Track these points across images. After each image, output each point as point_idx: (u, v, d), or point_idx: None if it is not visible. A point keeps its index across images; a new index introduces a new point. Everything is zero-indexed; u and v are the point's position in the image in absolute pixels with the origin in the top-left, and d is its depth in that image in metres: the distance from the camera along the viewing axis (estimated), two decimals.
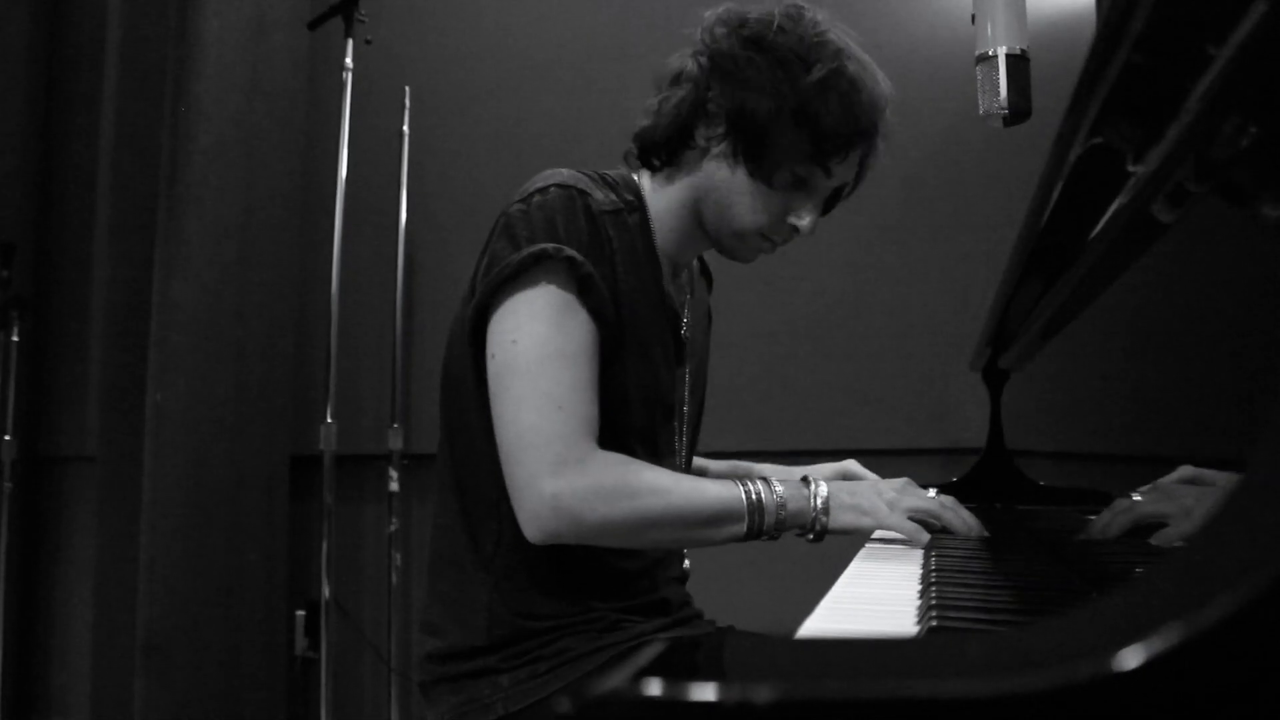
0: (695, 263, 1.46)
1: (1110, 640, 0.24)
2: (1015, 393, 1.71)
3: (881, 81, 1.23)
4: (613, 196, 1.23)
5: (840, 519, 1.19)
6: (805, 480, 1.21)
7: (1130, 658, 0.23)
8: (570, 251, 1.13)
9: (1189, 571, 0.26)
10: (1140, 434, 0.94)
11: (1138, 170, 0.82)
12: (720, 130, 1.22)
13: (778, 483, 1.18)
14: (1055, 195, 0.98)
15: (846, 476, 1.53)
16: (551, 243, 1.13)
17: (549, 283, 1.13)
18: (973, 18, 1.29)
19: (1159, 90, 0.69)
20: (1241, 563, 0.24)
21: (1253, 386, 0.65)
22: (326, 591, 2.61)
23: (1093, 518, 0.98)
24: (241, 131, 2.73)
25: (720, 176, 1.24)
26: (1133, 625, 0.24)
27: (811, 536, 1.20)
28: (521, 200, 1.18)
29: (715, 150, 1.23)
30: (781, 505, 1.16)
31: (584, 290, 1.15)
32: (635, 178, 1.31)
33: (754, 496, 1.16)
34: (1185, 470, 0.73)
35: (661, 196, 1.29)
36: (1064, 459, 1.41)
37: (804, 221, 1.25)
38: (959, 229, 2.52)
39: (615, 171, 1.30)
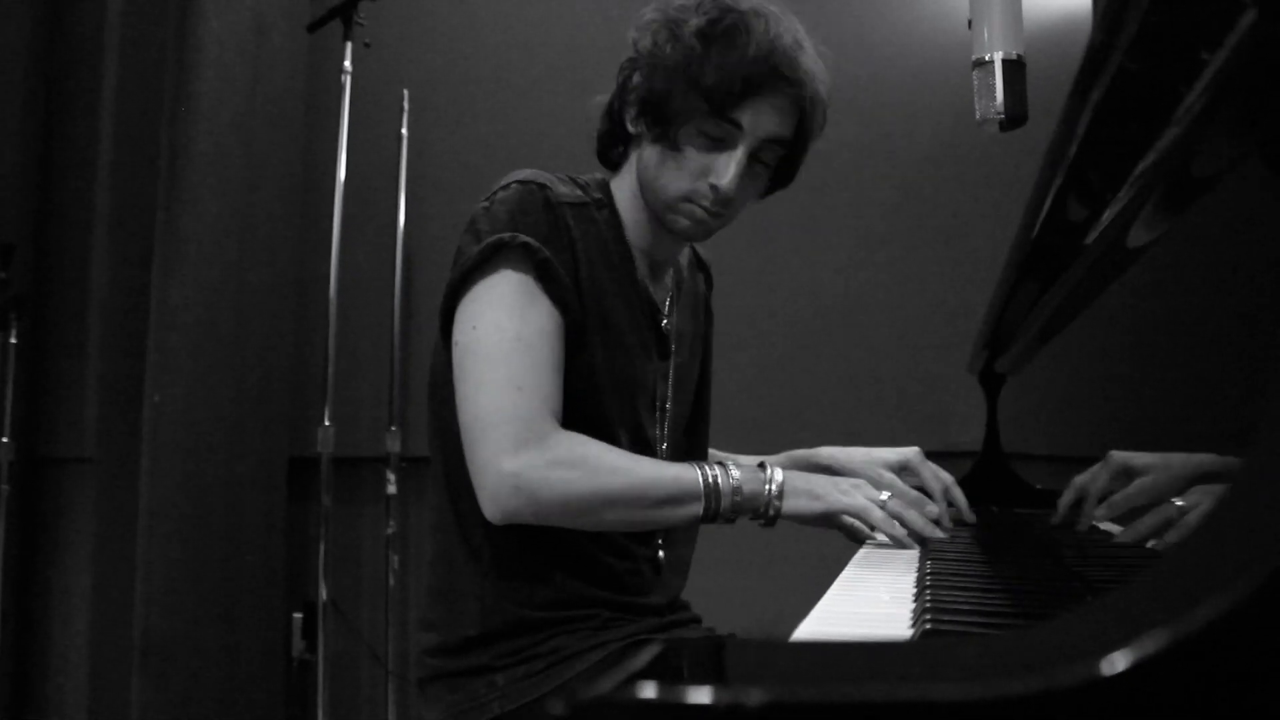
0: (689, 259, 1.47)
1: (1097, 645, 0.24)
2: (1012, 396, 1.71)
3: (786, 30, 1.21)
4: (577, 192, 1.26)
5: (793, 504, 1.22)
6: (762, 465, 1.24)
7: (1116, 662, 0.23)
8: (525, 238, 1.17)
9: (1177, 576, 0.26)
10: (1136, 437, 0.94)
11: (1132, 174, 0.82)
12: (636, 113, 1.26)
13: (734, 467, 1.21)
14: (1050, 199, 0.99)
15: (814, 463, 1.53)
16: (509, 232, 1.17)
17: (507, 269, 1.17)
18: (969, 23, 1.29)
19: (1153, 96, 0.69)
20: (1228, 568, 0.24)
21: (1251, 390, 0.65)
22: (324, 593, 2.61)
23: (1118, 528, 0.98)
24: (240, 134, 2.73)
25: (645, 156, 1.27)
26: (1119, 630, 0.24)
27: (763, 522, 1.23)
28: (486, 199, 1.22)
29: (640, 134, 1.27)
30: (737, 489, 1.19)
31: (542, 276, 1.18)
32: (607, 179, 1.34)
33: (710, 480, 1.19)
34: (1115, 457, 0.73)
35: (623, 192, 1.32)
36: (1060, 462, 1.40)
37: (723, 180, 1.22)
38: (956, 233, 2.52)
39: (589, 175, 1.33)
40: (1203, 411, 0.71)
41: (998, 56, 1.21)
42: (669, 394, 1.36)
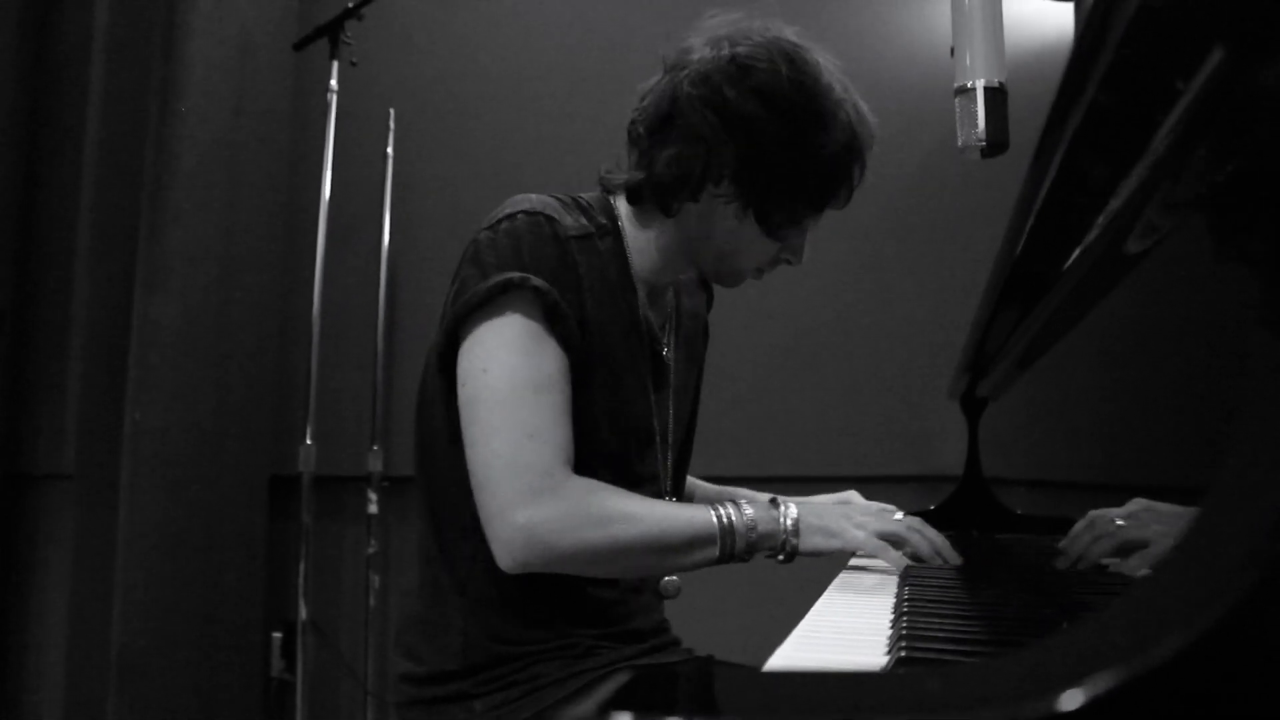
0: (690, 277, 1.46)
1: (1057, 680, 0.24)
2: (993, 421, 1.71)
3: (868, 116, 1.25)
4: (583, 221, 1.23)
5: (809, 540, 1.20)
6: (774, 502, 1.23)
7: (1072, 699, 0.23)
8: (537, 281, 1.14)
9: (1138, 610, 0.26)
10: (1117, 463, 0.95)
11: (1110, 202, 0.83)
12: (730, 190, 1.23)
13: (747, 505, 1.19)
14: (1030, 224, 0.99)
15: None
16: (518, 271, 1.14)
17: (516, 312, 1.14)
18: (951, 50, 1.30)
19: (1129, 123, 0.70)
20: (1188, 604, 0.24)
21: (1228, 417, 0.65)
22: (303, 613, 2.59)
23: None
24: (225, 151, 2.73)
25: (725, 226, 1.26)
26: (1079, 665, 0.24)
27: (782, 558, 1.21)
28: (489, 227, 1.19)
29: (723, 204, 1.24)
30: (751, 527, 1.17)
31: (551, 319, 1.15)
32: (610, 200, 1.31)
33: (725, 520, 1.17)
34: (1137, 503, 0.73)
35: (644, 227, 1.29)
36: (1041, 487, 1.41)
37: (799, 260, 1.32)
38: (937, 258, 2.54)
39: (591, 194, 1.30)
40: (1181, 436, 0.72)
41: (979, 84, 1.22)
42: (669, 425, 1.36)
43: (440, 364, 1.20)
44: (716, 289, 1.53)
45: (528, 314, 1.14)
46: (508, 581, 1.18)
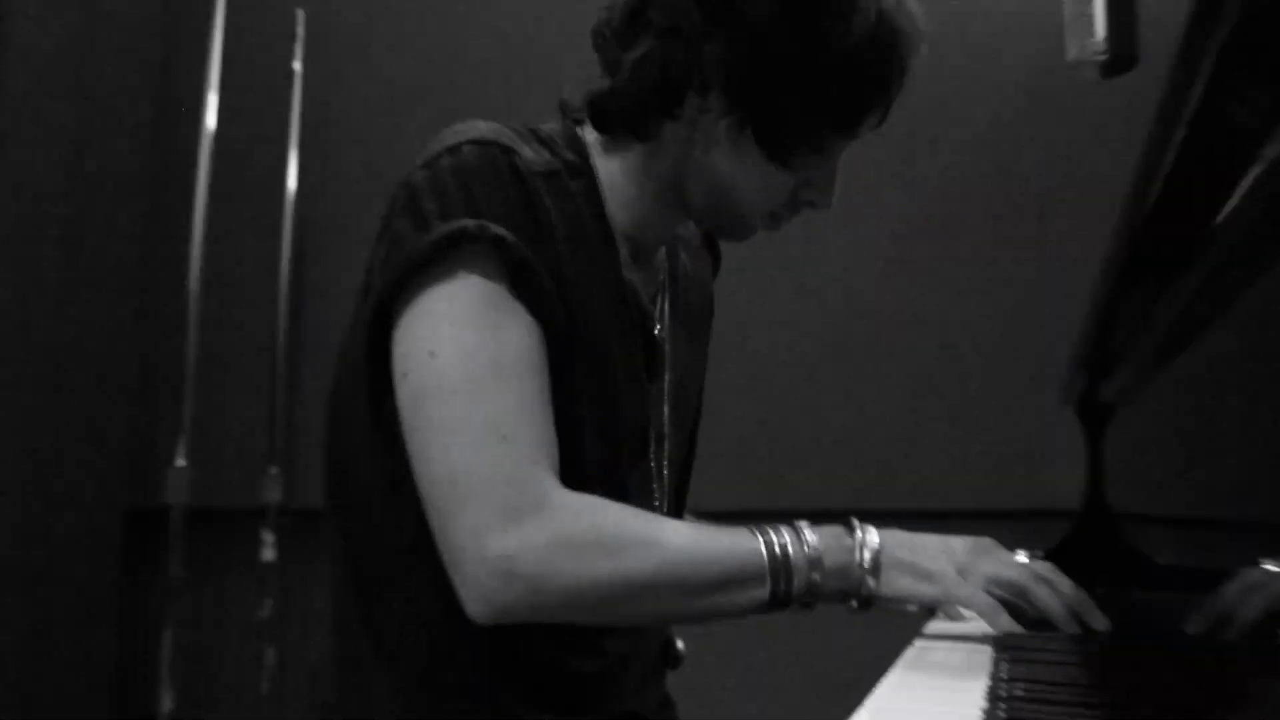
0: (692, 236, 1.47)
1: None
2: (1122, 435, 1.72)
3: (915, 9, 1.24)
4: (547, 155, 1.23)
5: (894, 584, 1.18)
6: (848, 525, 1.20)
7: None
8: (497, 229, 1.13)
9: None
10: None
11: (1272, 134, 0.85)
12: (721, 101, 1.22)
13: (809, 530, 1.17)
14: (1170, 162, 1.00)
15: None
16: (471, 218, 1.13)
17: (471, 272, 1.14)
18: None
19: None
20: None
21: None
22: (167, 703, 2.58)
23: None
24: (70, 63, 2.72)
25: (719, 155, 1.25)
26: None
27: (855, 604, 1.19)
28: (426, 164, 1.17)
29: (711, 121, 1.24)
30: (815, 561, 1.15)
31: (519, 279, 1.15)
32: (578, 132, 1.31)
33: (778, 549, 1.15)
34: None
35: (619, 162, 1.30)
36: (1186, 527, 1.41)
37: (826, 202, 1.29)
38: (1037, 216, 2.54)
39: (550, 126, 1.30)
40: None
41: None
42: (665, 422, 1.37)
43: (368, 349, 1.18)
44: (725, 246, 1.53)
45: (486, 274, 1.14)
46: (455, 652, 1.18)
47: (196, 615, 2.76)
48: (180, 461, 2.64)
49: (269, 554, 2.74)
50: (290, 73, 2.88)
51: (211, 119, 2.72)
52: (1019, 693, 0.92)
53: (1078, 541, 1.72)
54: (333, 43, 2.93)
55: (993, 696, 0.93)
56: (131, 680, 2.84)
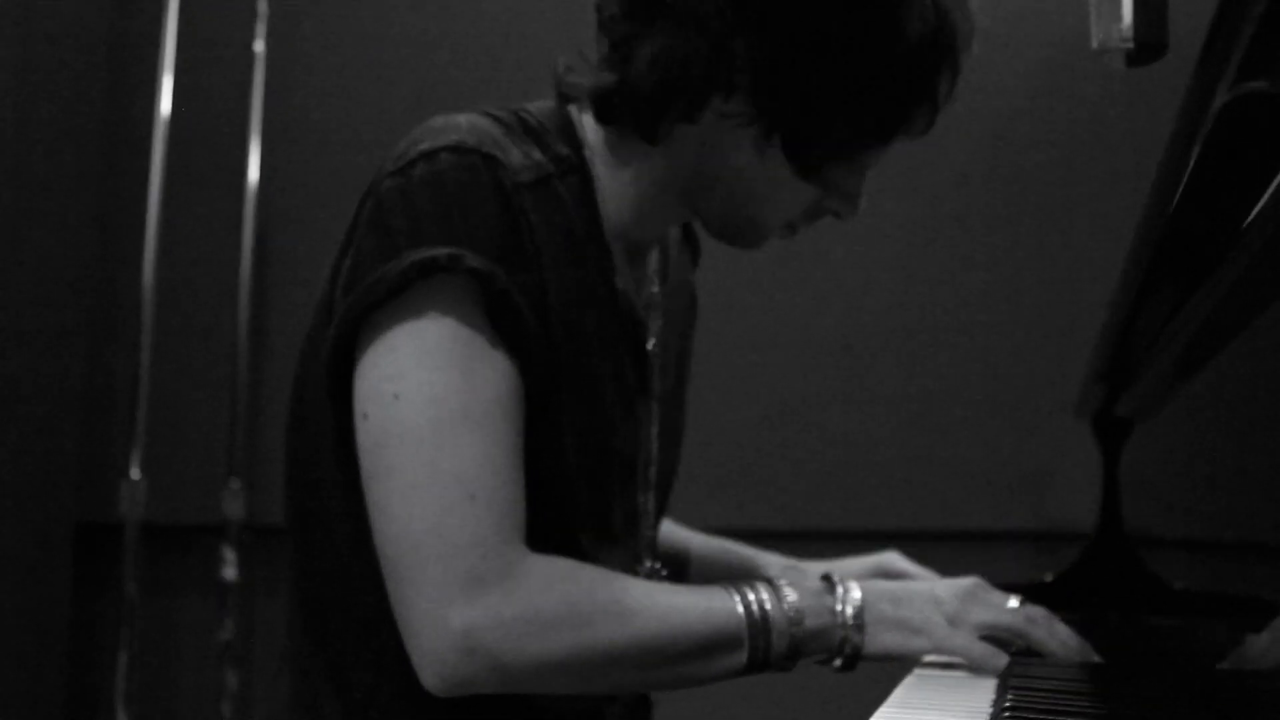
0: (676, 234, 1.47)
1: None
2: (1140, 452, 1.71)
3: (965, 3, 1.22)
4: (536, 155, 1.20)
5: (880, 640, 1.20)
6: (828, 582, 1.21)
7: None
8: (474, 261, 1.10)
9: None
10: None
11: None
12: (747, 106, 1.19)
13: (789, 588, 1.18)
14: (1196, 154, 0.99)
15: (885, 576, 1.54)
16: (444, 246, 1.10)
17: (442, 307, 1.11)
18: None
19: None
20: None
21: None
22: None
23: (1253, 637, 0.97)
24: (13, 47, 2.69)
25: (738, 164, 1.23)
26: None
27: (839, 663, 1.21)
28: (398, 171, 1.14)
29: (732, 127, 1.20)
30: (796, 621, 1.16)
31: (496, 313, 1.13)
32: (572, 114, 1.28)
33: (756, 610, 1.16)
34: None
35: (620, 159, 1.27)
36: (1207, 551, 1.41)
37: (852, 212, 1.29)
38: (1053, 214, 2.56)
39: (542, 105, 1.27)
40: None
41: None
42: (654, 444, 1.36)
43: (330, 384, 1.17)
44: (711, 265, 1.54)
45: (459, 308, 1.11)
46: (427, 703, 1.15)
47: (153, 637, 2.76)
48: (135, 473, 2.64)
49: (230, 572, 2.74)
50: (252, 53, 2.87)
51: (166, 104, 2.70)
52: (1020, 714, 0.95)
53: (1090, 565, 1.73)
54: (298, 22, 2.92)
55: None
56: (83, 706, 2.84)
